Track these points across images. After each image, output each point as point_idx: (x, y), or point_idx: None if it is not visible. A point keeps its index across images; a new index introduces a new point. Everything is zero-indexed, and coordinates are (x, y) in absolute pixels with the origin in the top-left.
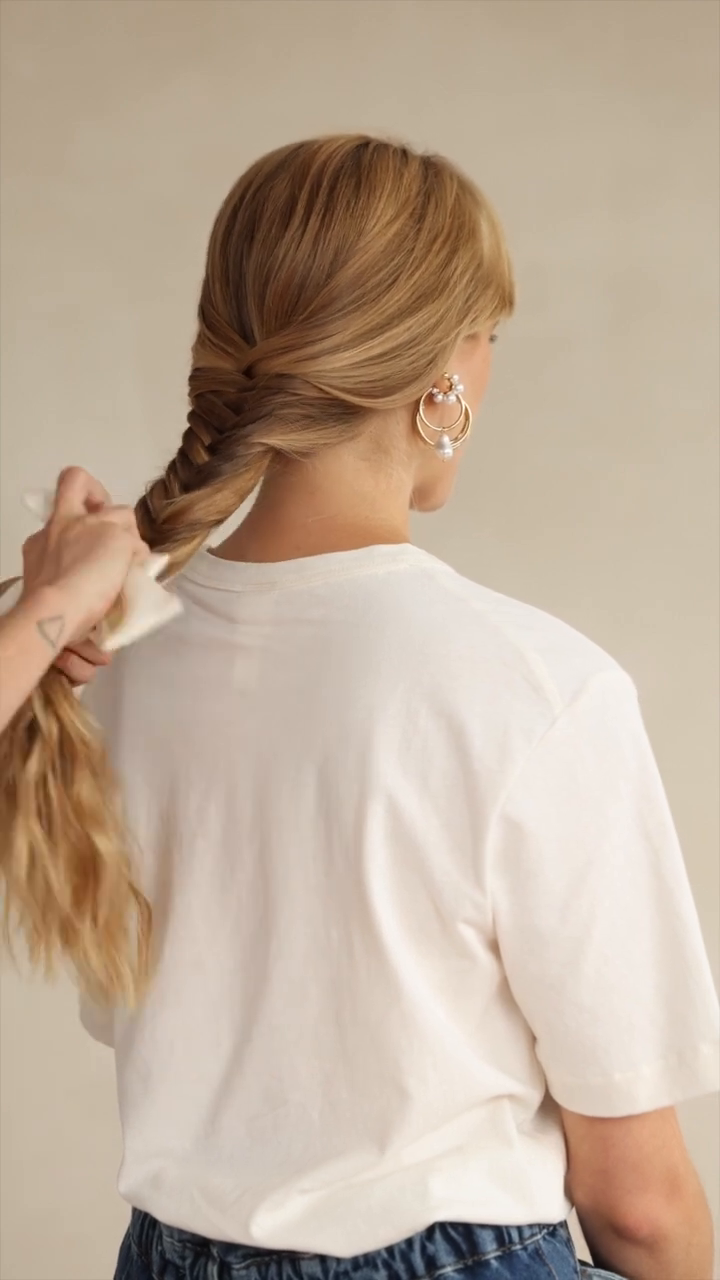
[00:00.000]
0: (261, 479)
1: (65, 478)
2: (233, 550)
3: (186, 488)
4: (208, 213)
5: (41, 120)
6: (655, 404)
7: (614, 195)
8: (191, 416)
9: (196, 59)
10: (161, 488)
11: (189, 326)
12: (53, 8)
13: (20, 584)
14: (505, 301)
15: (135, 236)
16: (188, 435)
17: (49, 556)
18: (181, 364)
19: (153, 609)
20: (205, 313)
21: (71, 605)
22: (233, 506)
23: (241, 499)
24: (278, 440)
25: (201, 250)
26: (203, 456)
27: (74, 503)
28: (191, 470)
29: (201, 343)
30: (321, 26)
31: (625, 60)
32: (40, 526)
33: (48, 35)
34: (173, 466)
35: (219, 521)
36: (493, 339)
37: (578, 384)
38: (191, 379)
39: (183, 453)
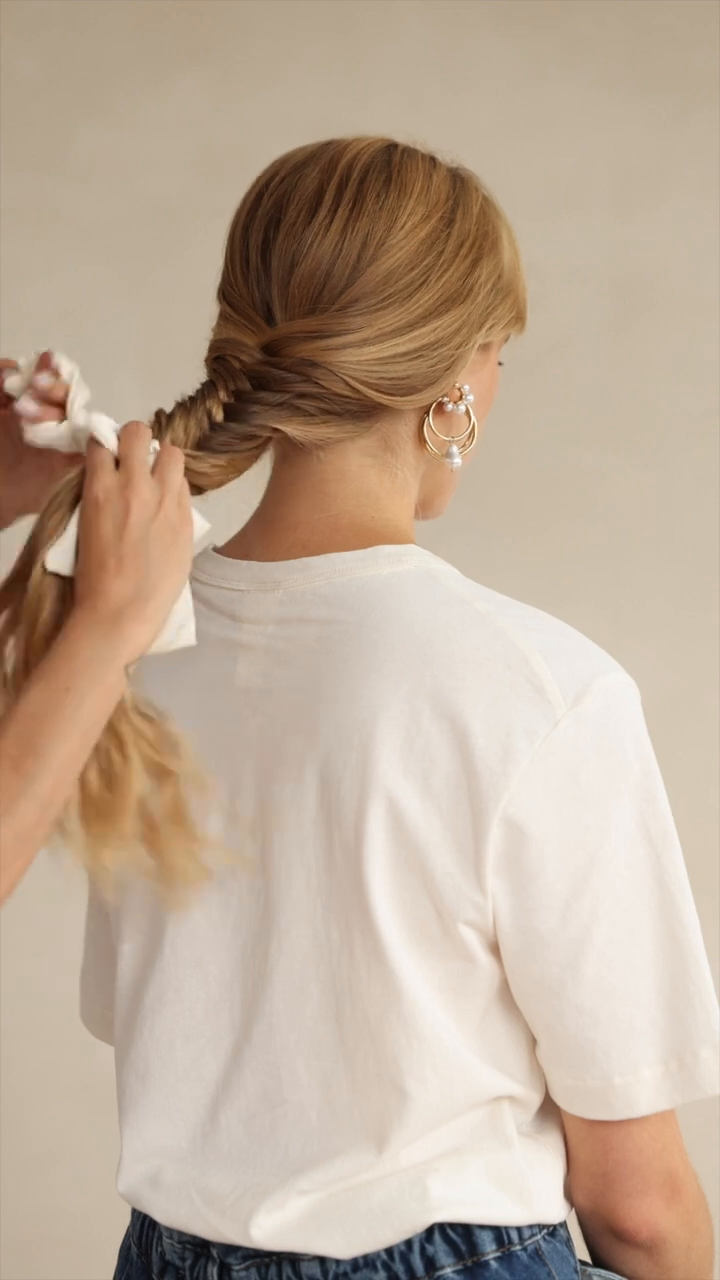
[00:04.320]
0: (270, 475)
1: (132, 434)
2: (238, 548)
3: (199, 444)
4: (208, 212)
5: (41, 119)
6: (654, 403)
7: (614, 194)
8: (211, 372)
9: (196, 59)
10: (183, 419)
11: (189, 326)
12: (53, 8)
13: (74, 526)
14: (519, 315)
15: (135, 236)
16: (207, 386)
17: (130, 547)
18: (182, 363)
19: (177, 629)
20: (226, 293)
21: (152, 636)
22: (223, 483)
23: (233, 478)
24: (292, 429)
25: (201, 249)
26: (219, 414)
27: (146, 473)
28: (208, 420)
29: (223, 319)
30: (321, 25)
31: (625, 60)
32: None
33: (48, 35)
34: (191, 403)
35: (204, 491)
36: (500, 364)
37: (577, 383)
38: (211, 347)
39: (201, 396)
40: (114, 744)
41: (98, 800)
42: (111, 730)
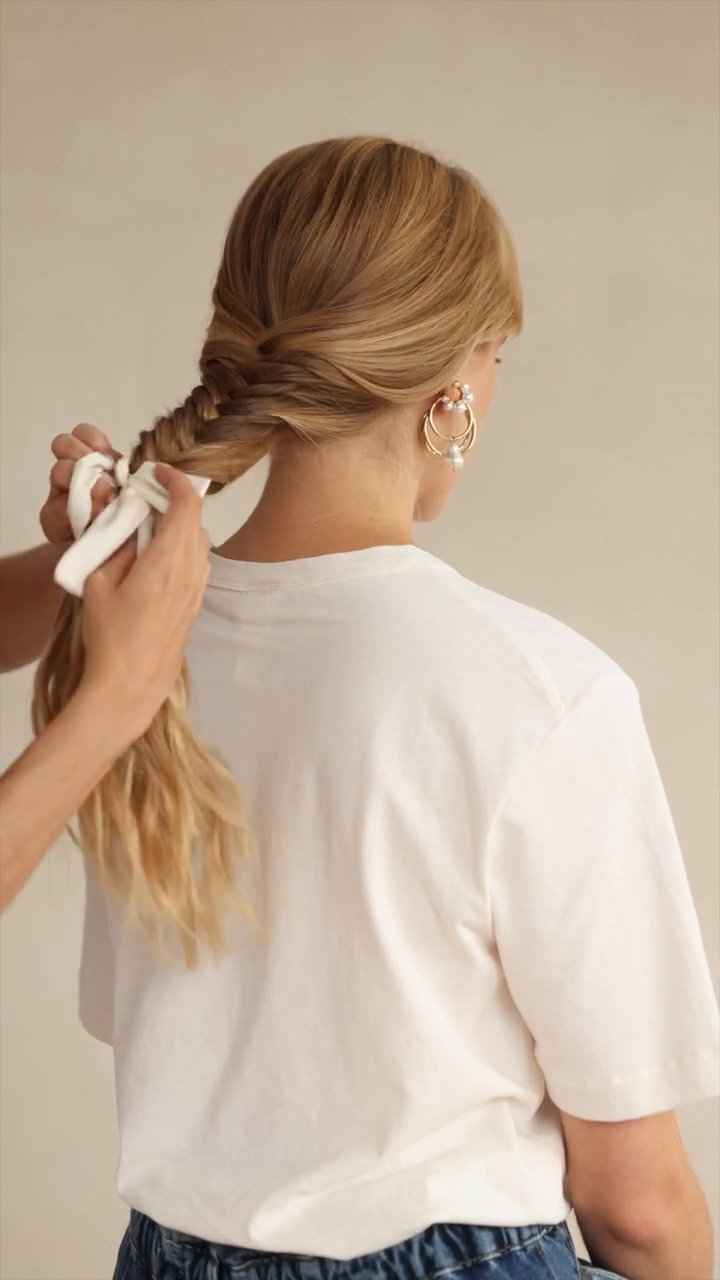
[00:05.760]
0: (268, 474)
1: (187, 505)
2: (236, 549)
3: (197, 438)
4: (208, 212)
5: (41, 119)
6: (652, 402)
7: (612, 193)
8: (204, 377)
9: (196, 59)
10: (169, 430)
11: (189, 326)
12: (53, 8)
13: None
14: (516, 317)
15: (135, 236)
16: (199, 392)
17: (170, 638)
18: (182, 363)
19: None
20: (221, 295)
21: (146, 726)
22: (235, 474)
23: (243, 470)
24: (292, 418)
25: (201, 249)
26: (213, 413)
27: (200, 565)
28: (200, 423)
29: (218, 320)
30: (321, 25)
31: (625, 60)
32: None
33: (48, 35)
34: (179, 414)
35: (222, 488)
36: (498, 361)
37: (574, 382)
38: (205, 349)
39: (191, 403)
40: (166, 785)
41: (155, 842)
42: (163, 771)
